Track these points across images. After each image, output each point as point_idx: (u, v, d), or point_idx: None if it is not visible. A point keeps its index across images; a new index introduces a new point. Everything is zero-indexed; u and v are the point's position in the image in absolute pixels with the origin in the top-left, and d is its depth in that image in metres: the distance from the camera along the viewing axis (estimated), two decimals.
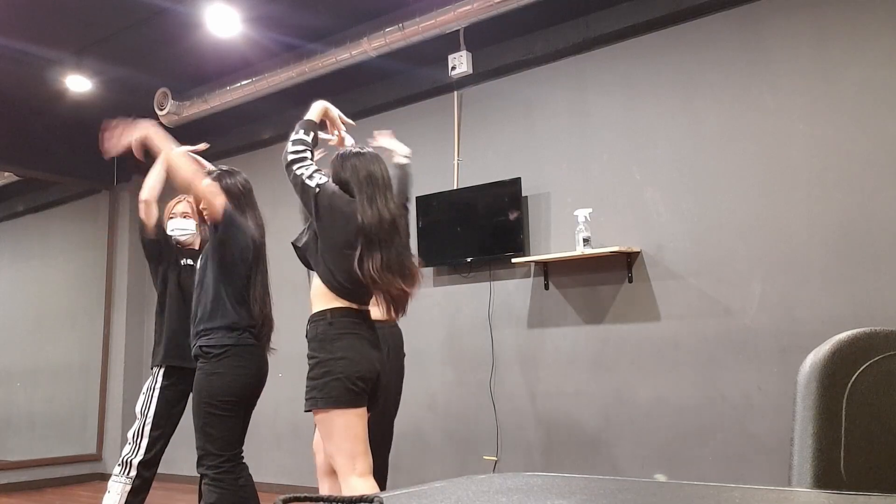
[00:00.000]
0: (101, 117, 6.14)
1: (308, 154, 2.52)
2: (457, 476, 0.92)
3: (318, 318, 2.48)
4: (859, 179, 3.39)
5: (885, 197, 3.32)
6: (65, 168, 6.30)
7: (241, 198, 3.02)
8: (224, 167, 3.08)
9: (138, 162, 2.97)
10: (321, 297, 2.48)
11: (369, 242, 2.47)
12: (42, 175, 6.25)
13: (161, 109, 5.41)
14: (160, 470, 3.31)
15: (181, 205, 3.52)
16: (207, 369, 2.81)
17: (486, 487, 0.81)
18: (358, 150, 2.64)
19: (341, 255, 2.44)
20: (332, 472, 2.94)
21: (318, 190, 2.45)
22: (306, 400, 2.43)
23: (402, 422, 4.69)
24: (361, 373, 2.44)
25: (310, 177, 2.46)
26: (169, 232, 3.42)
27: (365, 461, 2.45)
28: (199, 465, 2.84)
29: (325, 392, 2.40)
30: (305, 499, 0.66)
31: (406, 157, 3.14)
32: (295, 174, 2.48)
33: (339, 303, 2.47)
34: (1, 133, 5.87)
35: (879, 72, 3.38)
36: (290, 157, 2.50)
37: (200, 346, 2.84)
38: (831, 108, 3.48)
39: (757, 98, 3.68)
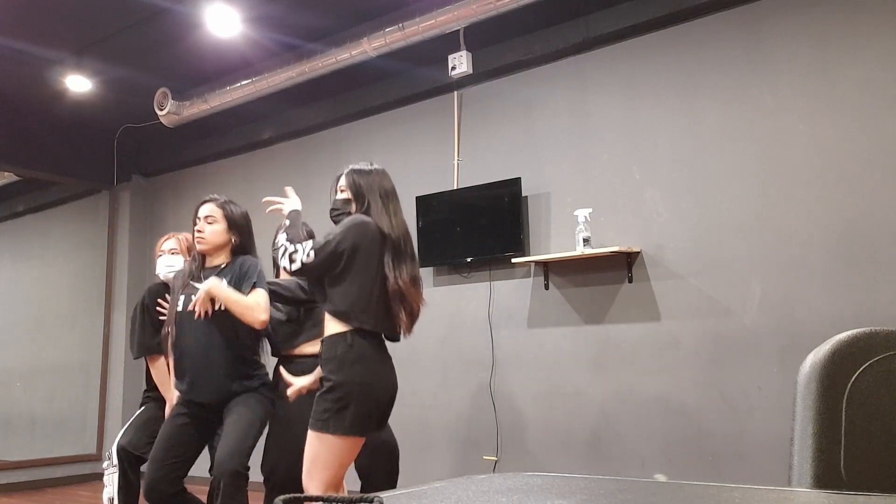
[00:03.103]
0: (101, 117, 6.15)
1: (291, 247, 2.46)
2: (457, 476, 0.92)
3: (336, 339, 2.42)
4: (859, 179, 3.38)
5: (885, 197, 3.32)
6: (65, 168, 6.30)
7: (245, 231, 3.06)
8: (224, 198, 3.09)
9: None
10: (337, 319, 2.43)
11: (397, 255, 2.48)
12: (42, 175, 6.25)
13: (161, 109, 5.41)
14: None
15: (169, 241, 3.51)
16: (270, 396, 2.98)
17: (486, 487, 0.81)
18: (370, 166, 2.64)
19: (368, 281, 2.44)
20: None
21: (337, 247, 2.42)
22: (318, 420, 2.37)
23: (403, 422, 4.69)
24: (379, 399, 2.42)
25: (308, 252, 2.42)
26: (157, 272, 3.48)
27: (341, 488, 2.48)
28: (226, 484, 2.81)
29: (340, 417, 2.35)
30: (305, 499, 0.66)
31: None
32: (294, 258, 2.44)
33: (356, 324, 2.42)
34: (1, 133, 5.87)
35: (879, 72, 3.38)
36: (286, 257, 2.45)
37: (261, 383, 2.98)
38: (831, 108, 3.48)
39: (757, 98, 3.68)
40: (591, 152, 4.19)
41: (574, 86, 4.30)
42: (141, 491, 3.09)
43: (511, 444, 4.29)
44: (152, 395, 3.50)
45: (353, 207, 2.55)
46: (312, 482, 2.41)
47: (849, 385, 0.96)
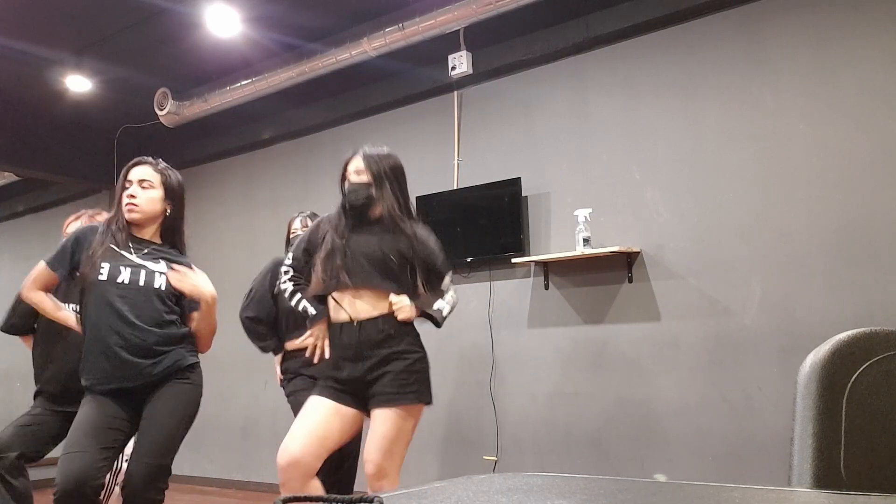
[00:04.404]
0: (101, 117, 6.15)
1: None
2: (457, 476, 0.92)
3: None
4: (859, 179, 3.38)
5: (885, 197, 3.32)
6: (65, 168, 6.30)
7: (181, 203, 2.71)
8: (160, 160, 2.74)
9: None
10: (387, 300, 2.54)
11: None
12: (42, 175, 6.25)
13: (161, 109, 5.41)
14: None
15: (74, 224, 3.21)
16: (195, 382, 2.65)
17: (486, 487, 0.81)
18: (385, 149, 2.69)
19: None
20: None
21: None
22: (409, 393, 2.47)
23: None
24: None
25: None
26: None
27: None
28: (155, 485, 2.50)
29: (426, 386, 2.55)
30: (305, 499, 0.66)
31: None
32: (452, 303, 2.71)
33: None
34: (1, 133, 5.87)
35: (879, 72, 3.37)
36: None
37: (189, 360, 2.65)
38: (831, 108, 3.48)
39: (757, 98, 3.68)
40: (591, 152, 4.19)
41: (574, 86, 4.29)
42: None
43: (511, 444, 4.29)
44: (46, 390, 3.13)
45: (373, 191, 2.57)
46: (394, 462, 2.46)
47: (849, 385, 0.96)
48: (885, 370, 0.99)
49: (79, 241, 2.63)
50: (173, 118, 5.42)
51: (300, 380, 3.34)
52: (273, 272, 3.40)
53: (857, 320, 3.30)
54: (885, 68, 3.36)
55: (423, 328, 2.69)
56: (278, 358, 3.50)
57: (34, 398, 3.17)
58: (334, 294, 2.53)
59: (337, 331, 2.53)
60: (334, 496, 0.66)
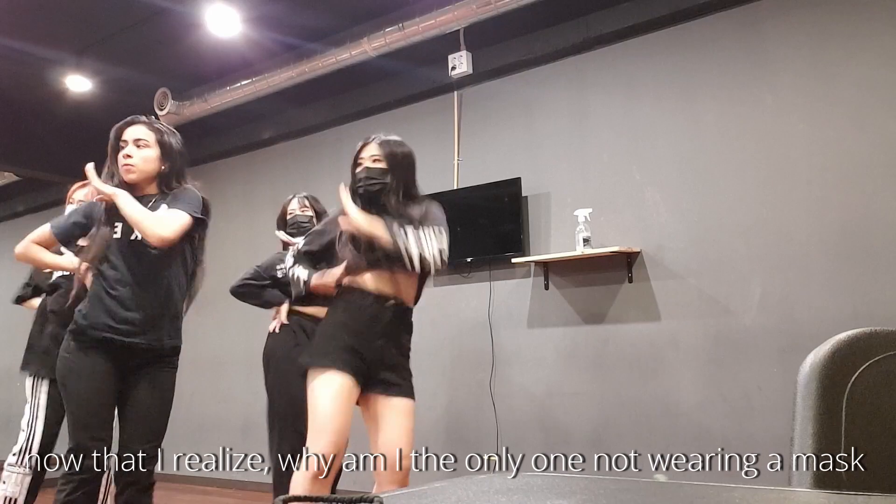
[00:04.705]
0: (101, 117, 6.14)
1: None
2: (457, 476, 0.92)
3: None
4: (859, 179, 3.38)
5: (885, 197, 3.32)
6: (65, 168, 6.29)
7: (179, 160, 2.60)
8: (155, 118, 2.66)
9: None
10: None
11: None
12: (42, 175, 6.25)
13: (161, 109, 5.41)
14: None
15: (81, 191, 3.19)
16: (176, 366, 2.65)
17: (486, 487, 0.81)
18: (399, 138, 2.67)
19: None
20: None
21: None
22: (413, 388, 2.50)
23: None
24: None
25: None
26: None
27: None
28: (150, 469, 2.59)
29: None
30: (305, 499, 0.66)
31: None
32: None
33: None
34: (1, 133, 5.87)
35: (879, 72, 3.37)
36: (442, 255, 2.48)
37: (179, 343, 2.62)
38: (831, 108, 3.48)
39: (757, 98, 3.68)
40: (591, 152, 4.19)
41: (574, 86, 4.29)
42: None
43: (511, 444, 4.28)
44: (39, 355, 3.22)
45: (388, 178, 2.51)
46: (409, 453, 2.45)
47: (849, 385, 0.96)
48: (885, 370, 0.99)
49: (87, 215, 2.60)
50: (173, 118, 5.42)
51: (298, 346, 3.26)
52: (277, 259, 3.48)
53: (857, 320, 3.30)
54: (885, 68, 3.36)
55: (422, 329, 2.68)
56: (284, 307, 3.42)
57: (26, 367, 3.29)
58: (376, 271, 2.45)
59: (372, 300, 2.42)
60: (334, 496, 0.66)
